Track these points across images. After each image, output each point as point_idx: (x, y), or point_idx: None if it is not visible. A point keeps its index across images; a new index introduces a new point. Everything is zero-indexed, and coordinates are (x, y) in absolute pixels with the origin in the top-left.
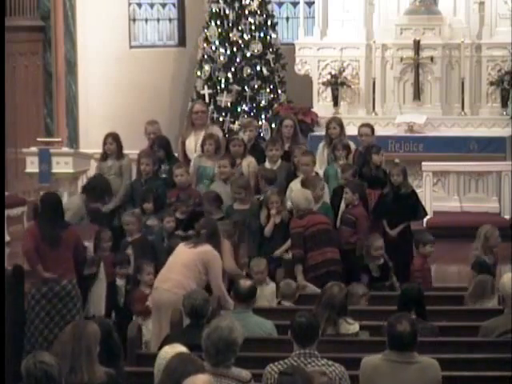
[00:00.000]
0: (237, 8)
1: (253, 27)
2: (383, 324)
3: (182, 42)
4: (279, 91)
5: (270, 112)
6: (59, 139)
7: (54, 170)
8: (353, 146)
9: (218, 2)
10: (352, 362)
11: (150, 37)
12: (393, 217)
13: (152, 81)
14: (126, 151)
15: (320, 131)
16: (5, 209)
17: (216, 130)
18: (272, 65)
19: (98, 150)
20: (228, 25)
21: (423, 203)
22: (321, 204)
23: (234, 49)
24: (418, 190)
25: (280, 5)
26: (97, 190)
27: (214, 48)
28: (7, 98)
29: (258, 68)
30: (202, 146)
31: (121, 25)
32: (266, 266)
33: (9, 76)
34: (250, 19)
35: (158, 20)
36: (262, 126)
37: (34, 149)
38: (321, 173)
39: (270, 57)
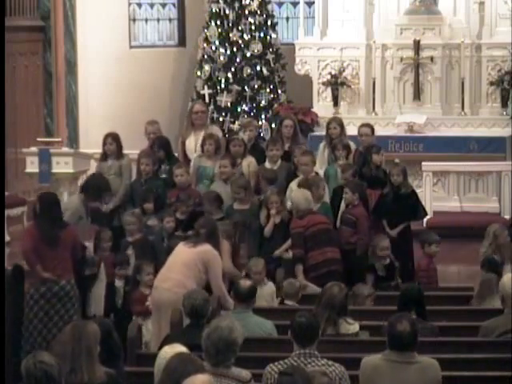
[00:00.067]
0: (237, 8)
1: (253, 27)
2: (383, 324)
3: (182, 42)
4: (279, 91)
5: (270, 112)
6: (59, 139)
7: (54, 170)
8: (353, 145)
9: (218, 1)
10: (352, 361)
11: (150, 37)
12: (393, 217)
13: (152, 81)
14: (126, 151)
15: (320, 131)
16: (5, 209)
17: (216, 130)
18: (272, 65)
19: (97, 150)
20: (228, 25)
21: (423, 203)
22: (321, 204)
23: (234, 49)
24: (418, 190)
25: (280, 5)
26: (95, 188)
27: (214, 48)
28: (7, 98)
29: (258, 68)
30: (202, 145)
31: (121, 25)
32: (264, 267)
33: (9, 76)
34: (250, 19)
35: (158, 20)
36: (262, 125)
37: (34, 149)
38: (321, 173)
39: (270, 57)
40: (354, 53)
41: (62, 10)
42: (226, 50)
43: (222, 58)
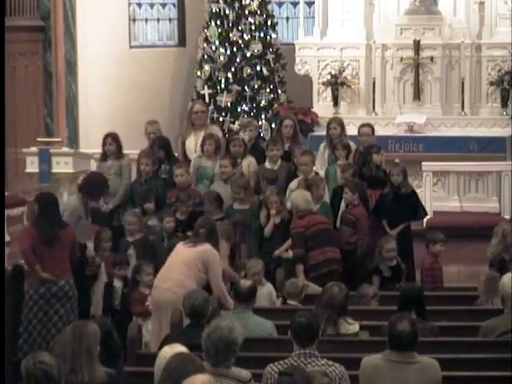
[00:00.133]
0: (237, 8)
1: (253, 27)
2: (383, 324)
3: (182, 42)
4: (279, 91)
5: (270, 112)
6: (59, 139)
7: (54, 170)
8: (353, 145)
9: (218, 1)
10: (352, 361)
11: (150, 37)
12: (393, 217)
13: (152, 81)
14: (126, 151)
15: (320, 131)
16: (5, 209)
17: (216, 130)
18: (272, 65)
19: (97, 150)
20: (228, 25)
21: (423, 203)
22: (320, 204)
23: (234, 49)
24: (418, 190)
25: (280, 5)
26: (92, 187)
27: (214, 48)
28: (7, 98)
29: (258, 68)
30: (202, 145)
31: (121, 25)
32: (263, 268)
33: (9, 76)
34: (250, 19)
35: (158, 20)
36: (262, 125)
37: (34, 149)
38: (322, 173)
39: (270, 57)
40: (353, 53)
41: (62, 9)
42: (225, 50)
43: (221, 57)
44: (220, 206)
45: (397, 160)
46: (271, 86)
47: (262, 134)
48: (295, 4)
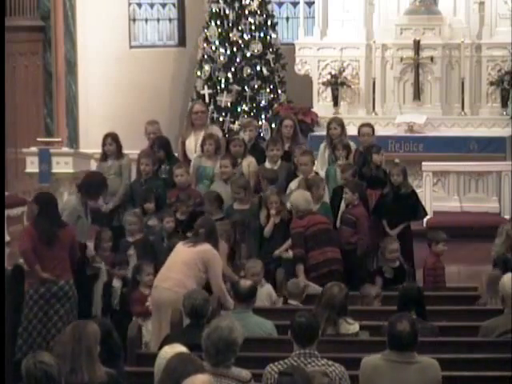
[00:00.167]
0: (237, 8)
1: (253, 27)
2: (383, 324)
3: (182, 42)
4: (279, 91)
5: (270, 112)
6: (59, 139)
7: (54, 170)
8: (353, 145)
9: (218, 1)
10: (352, 362)
11: (150, 37)
12: (393, 217)
13: (152, 81)
14: (126, 151)
15: (320, 131)
16: (5, 209)
17: (216, 130)
18: (272, 65)
19: (97, 150)
20: (228, 25)
21: (423, 203)
22: (320, 204)
23: (234, 49)
24: (418, 190)
25: (280, 5)
26: (91, 186)
27: (214, 48)
28: (7, 98)
29: (258, 68)
30: (202, 146)
31: (121, 25)
32: (262, 268)
33: (9, 76)
34: (250, 19)
35: (158, 20)
36: (262, 125)
37: (34, 149)
38: (322, 174)
39: (270, 57)
40: (353, 53)
41: (62, 9)
42: (226, 50)
43: (221, 57)
44: (220, 206)
45: (397, 160)
46: (271, 86)
47: (262, 134)
48: (295, 4)
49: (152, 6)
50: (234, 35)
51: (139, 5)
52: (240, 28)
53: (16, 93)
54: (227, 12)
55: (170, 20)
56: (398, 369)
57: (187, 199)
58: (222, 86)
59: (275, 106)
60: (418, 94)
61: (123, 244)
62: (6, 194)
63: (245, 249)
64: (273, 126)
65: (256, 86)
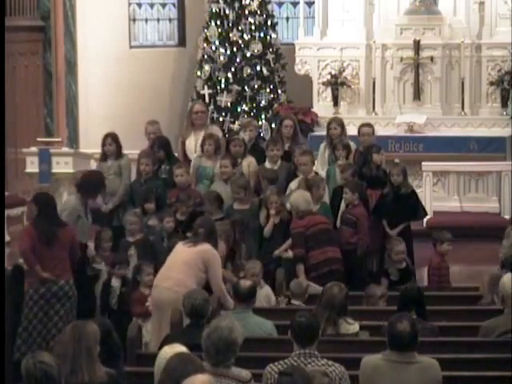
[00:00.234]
0: (237, 8)
1: (253, 27)
2: (383, 324)
3: (182, 41)
4: (279, 91)
5: (270, 112)
6: (59, 139)
7: (54, 170)
8: (353, 145)
9: (218, 1)
10: (352, 362)
11: (150, 37)
12: (393, 217)
13: (152, 81)
14: (126, 151)
15: (320, 131)
16: (5, 209)
17: (216, 130)
18: (272, 65)
19: (97, 150)
20: (228, 25)
21: (423, 203)
22: (320, 205)
23: (234, 49)
24: (418, 190)
25: (280, 5)
26: (89, 185)
27: (214, 48)
28: (7, 98)
29: (258, 68)
30: (202, 145)
31: (121, 25)
32: (261, 269)
33: (9, 76)
34: (250, 19)
35: (158, 20)
36: (262, 125)
37: (34, 149)
38: (323, 174)
39: (270, 57)
40: (353, 53)
41: (62, 9)
42: (225, 50)
43: (221, 57)
44: (220, 206)
45: (397, 160)
46: (271, 86)
47: (262, 134)
48: (295, 4)
49: (152, 6)
50: (233, 35)
51: (139, 5)
52: (240, 28)
53: (16, 93)
54: (227, 12)
55: (169, 20)
56: (398, 369)
57: (187, 199)
58: (222, 85)
59: (275, 106)
60: (417, 94)
61: (123, 244)
62: (6, 194)
63: (244, 249)
64: (273, 125)
65: (256, 86)
